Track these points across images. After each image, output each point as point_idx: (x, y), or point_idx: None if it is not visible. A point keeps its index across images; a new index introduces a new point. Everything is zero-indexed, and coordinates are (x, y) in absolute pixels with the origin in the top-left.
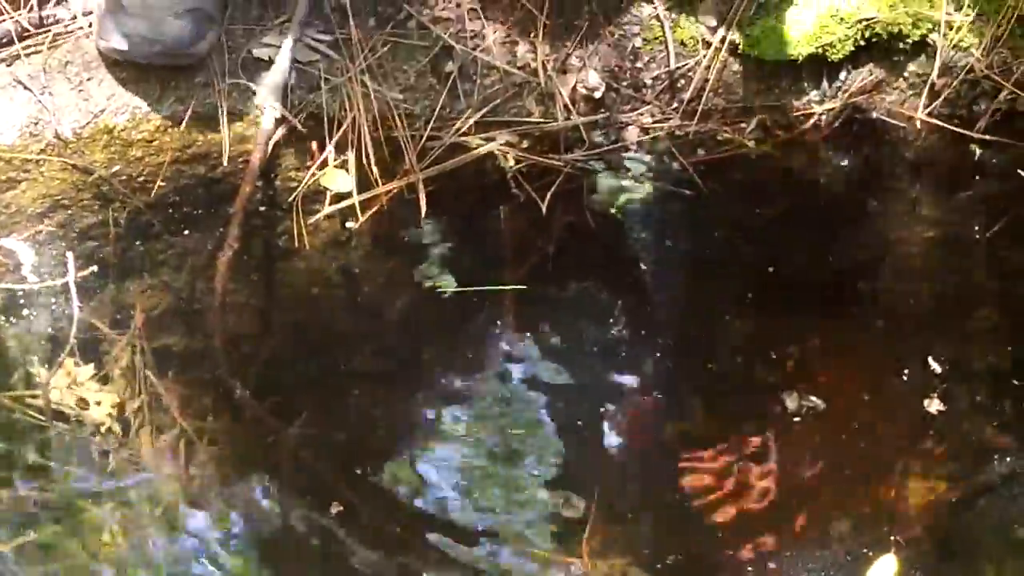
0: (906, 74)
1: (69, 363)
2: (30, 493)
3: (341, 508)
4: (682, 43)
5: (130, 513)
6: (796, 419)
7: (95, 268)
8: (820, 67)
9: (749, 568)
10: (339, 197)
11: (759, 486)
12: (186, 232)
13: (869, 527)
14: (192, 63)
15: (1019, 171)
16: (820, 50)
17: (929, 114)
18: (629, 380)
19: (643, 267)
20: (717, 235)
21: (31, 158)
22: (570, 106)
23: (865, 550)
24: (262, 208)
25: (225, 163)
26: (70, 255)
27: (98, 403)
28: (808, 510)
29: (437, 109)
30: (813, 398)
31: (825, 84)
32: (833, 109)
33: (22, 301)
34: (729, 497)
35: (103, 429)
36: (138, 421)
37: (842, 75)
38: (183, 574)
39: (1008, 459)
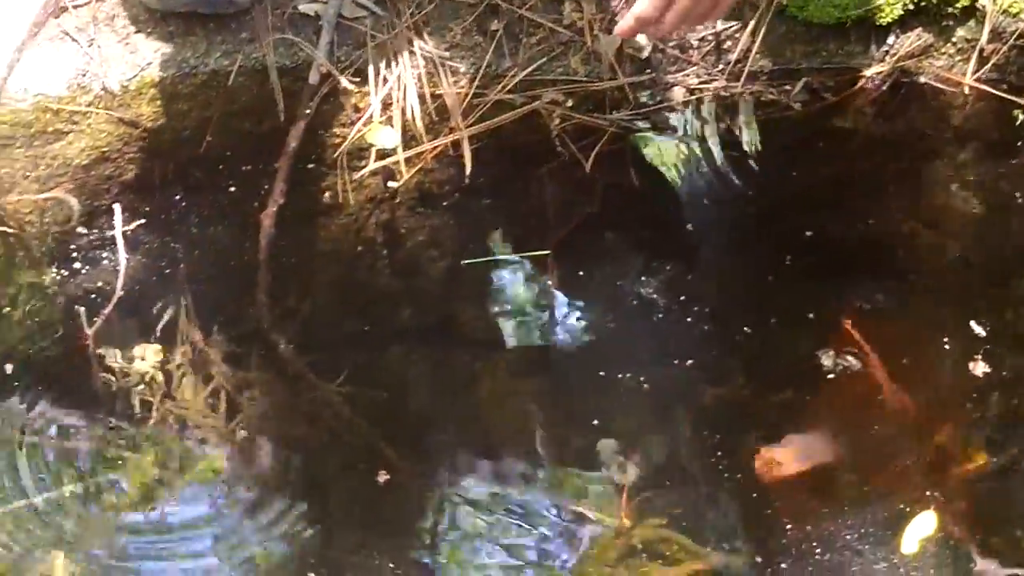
0: (955, 39)
1: (114, 316)
2: (75, 445)
3: (388, 477)
4: None
5: (171, 465)
6: (831, 376)
7: (142, 221)
8: (868, 30)
9: (788, 527)
10: (384, 154)
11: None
12: (231, 187)
13: (907, 487)
14: (233, 11)
15: None
16: (868, 13)
17: (977, 79)
18: (668, 342)
19: (686, 228)
20: (760, 197)
21: (78, 110)
22: (616, 66)
23: (903, 506)
24: (307, 164)
25: (282, 118)
26: (117, 207)
27: (143, 357)
28: (846, 469)
29: (483, 67)
30: (850, 357)
31: (873, 47)
32: (881, 73)
33: (68, 254)
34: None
35: (147, 380)
36: (181, 375)
37: (890, 39)
38: (223, 528)
39: None
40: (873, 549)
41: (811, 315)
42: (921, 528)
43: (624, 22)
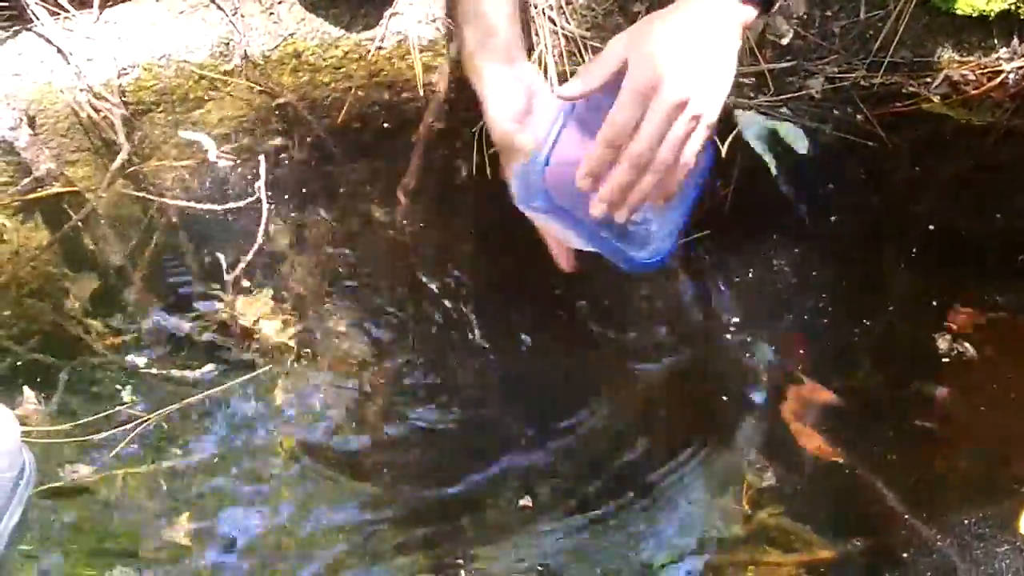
0: None
1: (247, 283)
2: (201, 414)
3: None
4: None
5: (302, 437)
6: (945, 360)
7: (281, 191)
8: (1012, 24)
9: (897, 507)
10: None
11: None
12: (368, 160)
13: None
14: None
15: None
16: (1013, 6)
17: None
18: (785, 325)
19: (820, 215)
20: (896, 188)
21: (219, 78)
22: (756, 51)
23: (1017, 485)
24: (445, 140)
25: (421, 92)
26: (262, 158)
27: (273, 323)
28: (957, 450)
29: None
30: (967, 344)
31: (1016, 41)
32: (1022, 68)
33: (204, 220)
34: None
35: (278, 347)
36: (311, 343)
37: None
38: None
39: None
40: (993, 535)
41: (930, 302)
42: None
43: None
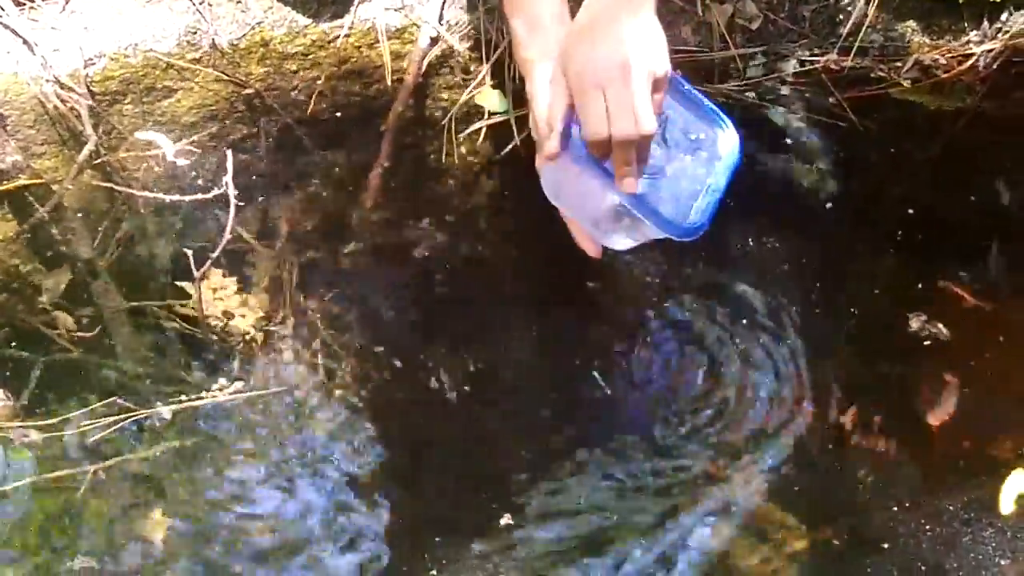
0: None
1: (216, 274)
2: (169, 403)
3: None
4: None
5: (270, 425)
6: (920, 343)
7: (249, 179)
8: (982, 7)
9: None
10: (493, 118)
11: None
12: (337, 148)
13: (998, 449)
14: None
15: None
16: None
17: None
18: (759, 310)
19: (791, 198)
20: (866, 171)
21: (187, 67)
22: (726, 36)
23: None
24: (414, 127)
25: (389, 83)
26: (229, 153)
27: (243, 315)
28: (936, 434)
29: None
30: (940, 325)
31: (986, 24)
32: (992, 51)
33: (171, 211)
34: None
35: (247, 339)
36: (281, 335)
37: (1004, 16)
38: (317, 488)
39: None
40: (978, 519)
41: (902, 285)
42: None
43: None
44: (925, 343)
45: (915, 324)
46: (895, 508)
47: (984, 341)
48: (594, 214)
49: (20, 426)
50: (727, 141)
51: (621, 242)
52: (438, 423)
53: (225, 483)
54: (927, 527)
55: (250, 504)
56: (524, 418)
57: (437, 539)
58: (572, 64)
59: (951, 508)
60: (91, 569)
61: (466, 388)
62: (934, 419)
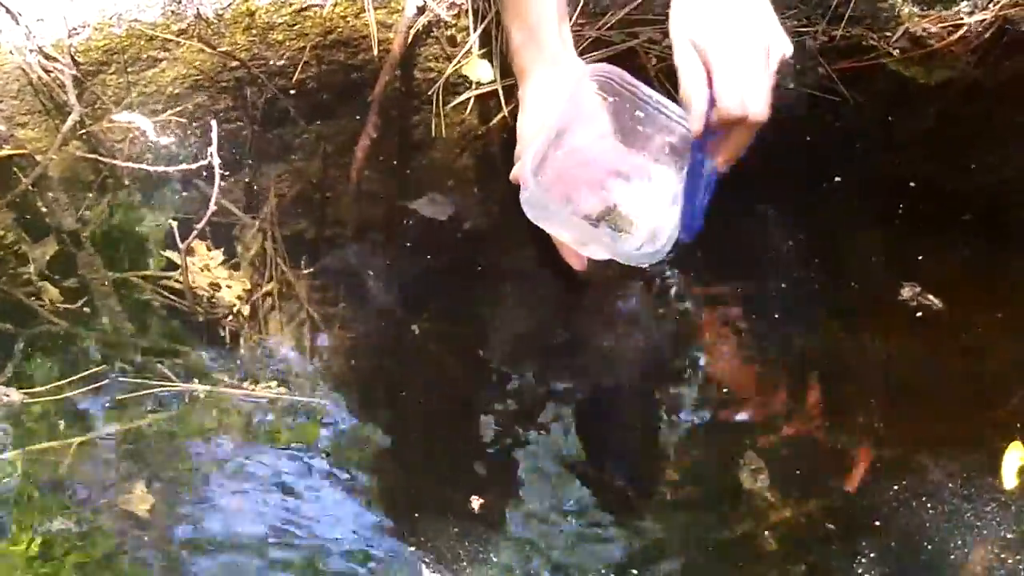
0: None
1: (201, 246)
2: (158, 372)
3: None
4: None
5: (255, 398)
6: (912, 314)
7: (234, 151)
8: None
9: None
10: (480, 88)
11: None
12: (323, 119)
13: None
14: None
15: None
16: None
17: None
18: (754, 286)
19: (790, 171)
20: (857, 143)
21: (172, 38)
22: None
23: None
24: (401, 98)
25: (376, 53)
26: (214, 123)
27: (229, 286)
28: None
29: (580, 4)
30: (932, 296)
31: None
32: (983, 21)
33: (156, 182)
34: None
35: (234, 311)
36: (268, 306)
37: None
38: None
39: None
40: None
41: (896, 259)
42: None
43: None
44: (915, 314)
45: (906, 292)
46: (893, 486)
47: (978, 310)
48: (573, 223)
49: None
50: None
51: (598, 253)
52: (426, 394)
53: (208, 456)
54: (926, 503)
55: (233, 478)
56: (514, 387)
57: (419, 513)
58: (716, 38)
59: (950, 486)
60: (68, 531)
61: (455, 359)
62: (928, 389)
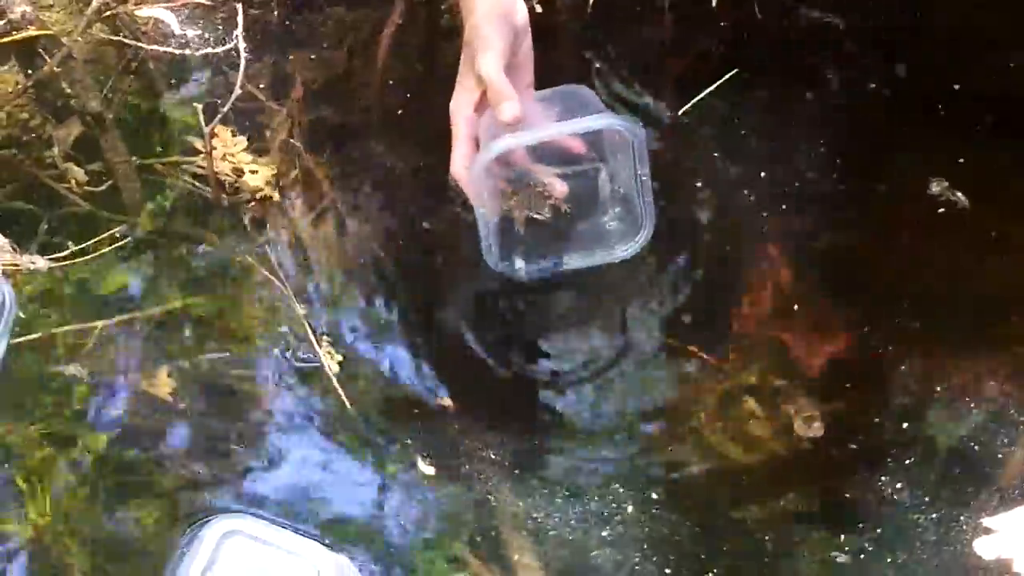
0: None
1: (226, 132)
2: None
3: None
4: None
5: (277, 282)
6: (939, 211)
7: (258, 38)
8: None
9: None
10: None
11: None
12: (350, 5)
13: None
14: None
15: None
16: None
17: None
18: (778, 191)
19: (820, 70)
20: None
21: None
22: None
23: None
24: None
25: None
26: (240, 18)
27: (254, 171)
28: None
29: None
30: (959, 194)
31: None
32: None
33: (181, 67)
34: None
35: (259, 197)
36: (293, 193)
37: None
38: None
39: None
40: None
41: (920, 159)
42: None
43: None
44: (941, 210)
45: (935, 187)
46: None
47: (1005, 210)
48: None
49: (27, 256)
50: None
51: None
52: (446, 290)
53: (231, 343)
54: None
55: (253, 367)
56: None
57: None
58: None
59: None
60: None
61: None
62: (948, 289)
